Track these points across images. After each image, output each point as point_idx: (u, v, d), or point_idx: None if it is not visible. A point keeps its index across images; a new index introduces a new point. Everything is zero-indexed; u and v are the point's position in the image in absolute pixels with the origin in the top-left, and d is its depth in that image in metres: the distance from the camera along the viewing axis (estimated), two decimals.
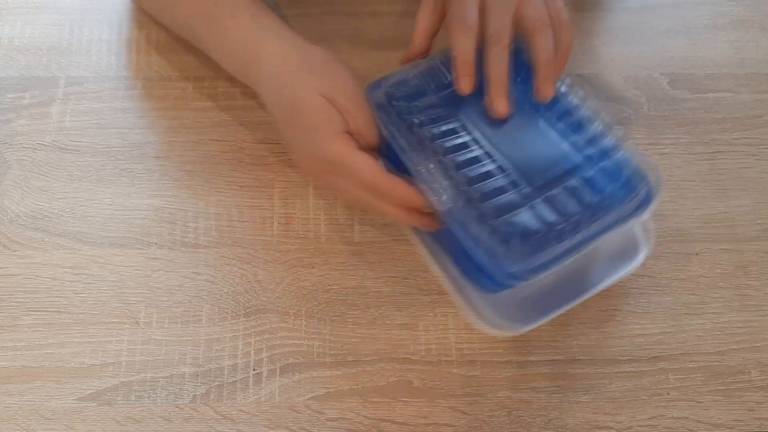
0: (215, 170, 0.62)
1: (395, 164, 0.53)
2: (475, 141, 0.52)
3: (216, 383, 0.54)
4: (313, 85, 0.53)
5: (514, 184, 0.50)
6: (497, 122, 0.53)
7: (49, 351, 0.54)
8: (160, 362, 0.54)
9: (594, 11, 0.72)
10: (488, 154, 0.51)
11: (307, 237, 0.59)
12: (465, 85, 0.52)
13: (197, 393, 0.53)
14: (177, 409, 0.53)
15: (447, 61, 0.54)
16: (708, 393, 0.54)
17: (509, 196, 0.50)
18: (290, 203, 0.61)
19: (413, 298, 0.57)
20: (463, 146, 0.52)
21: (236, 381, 0.54)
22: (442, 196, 0.50)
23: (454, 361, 0.55)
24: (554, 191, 0.50)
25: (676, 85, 0.67)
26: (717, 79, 0.68)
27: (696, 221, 0.61)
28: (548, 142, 0.52)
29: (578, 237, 0.50)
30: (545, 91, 0.53)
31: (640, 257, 0.56)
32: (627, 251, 0.56)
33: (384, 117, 0.53)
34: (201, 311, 0.56)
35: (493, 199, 0.49)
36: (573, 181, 0.51)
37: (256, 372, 0.54)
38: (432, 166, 0.51)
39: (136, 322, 0.56)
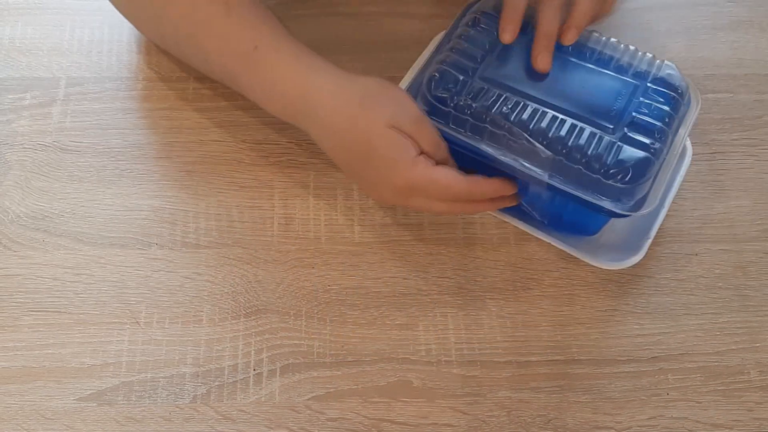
0: (215, 171, 0.62)
1: (459, 162, 0.55)
2: (540, 104, 0.54)
3: (216, 383, 0.54)
4: (379, 117, 0.52)
5: (598, 128, 0.53)
6: (545, 81, 0.55)
7: (49, 351, 0.55)
8: (161, 362, 0.54)
9: None
10: (559, 111, 0.53)
11: (307, 237, 0.60)
12: (508, 34, 0.56)
13: (198, 393, 0.53)
14: (177, 409, 0.53)
15: (468, 39, 0.57)
16: (707, 393, 0.55)
17: (602, 140, 0.52)
18: (290, 204, 0.61)
19: (413, 298, 0.57)
20: (534, 114, 0.53)
21: (236, 381, 0.54)
22: (543, 167, 0.52)
23: (454, 362, 0.55)
24: (632, 117, 0.54)
25: None
26: (716, 79, 0.68)
27: (695, 221, 0.61)
28: (598, 81, 0.56)
29: (668, 148, 0.54)
30: (571, 37, 0.56)
31: (688, 155, 0.60)
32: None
33: (440, 121, 0.54)
34: (201, 311, 0.56)
35: (590, 149, 0.52)
36: (641, 101, 0.54)
37: (256, 372, 0.54)
38: (519, 145, 0.53)
39: (137, 322, 0.56)
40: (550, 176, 0.52)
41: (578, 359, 0.56)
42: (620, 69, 0.56)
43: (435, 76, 0.55)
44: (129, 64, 0.67)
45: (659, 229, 0.60)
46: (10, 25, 0.69)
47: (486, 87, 0.55)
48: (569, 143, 0.52)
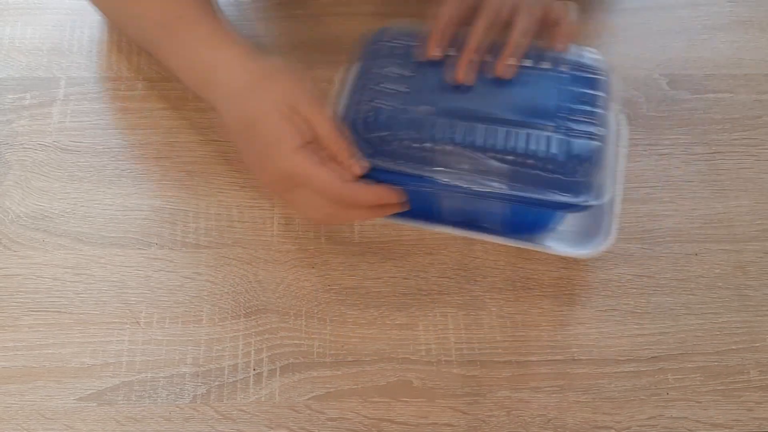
0: (215, 171, 0.62)
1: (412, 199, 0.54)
2: (481, 120, 0.53)
3: (216, 383, 0.54)
4: (271, 98, 0.52)
5: (542, 129, 0.53)
6: (479, 95, 0.55)
7: (50, 351, 0.55)
8: (161, 362, 0.55)
9: (594, 11, 0.72)
10: (502, 123, 0.53)
11: (307, 237, 0.59)
12: (436, 50, 0.55)
13: (198, 393, 0.54)
14: (177, 408, 0.53)
15: (389, 69, 0.56)
16: (707, 393, 0.55)
17: (550, 140, 0.52)
18: None
19: (413, 298, 0.57)
20: (479, 131, 0.53)
21: (236, 381, 0.54)
22: (501, 181, 0.51)
23: (454, 361, 0.55)
24: (570, 109, 0.54)
25: (676, 86, 0.67)
26: (716, 79, 0.68)
27: (695, 221, 0.61)
28: (527, 81, 0.55)
29: (609, 129, 0.55)
30: (506, 70, 0.55)
31: (624, 129, 0.60)
32: None
33: (384, 160, 0.52)
34: (201, 311, 0.56)
35: (542, 152, 0.52)
36: (571, 91, 0.55)
37: (256, 372, 0.54)
38: (471, 166, 0.52)
39: (137, 322, 0.56)
40: (511, 188, 0.51)
41: (578, 359, 0.56)
42: (542, 64, 0.56)
43: (368, 116, 0.54)
44: (129, 64, 0.67)
45: (659, 228, 0.60)
46: (10, 25, 0.69)
47: (424, 115, 0.53)
48: (520, 151, 0.52)
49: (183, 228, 0.59)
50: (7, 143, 0.63)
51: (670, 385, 0.55)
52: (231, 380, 0.54)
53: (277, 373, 0.54)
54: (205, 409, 0.53)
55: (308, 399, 0.54)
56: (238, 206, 0.60)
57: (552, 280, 0.58)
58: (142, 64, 0.67)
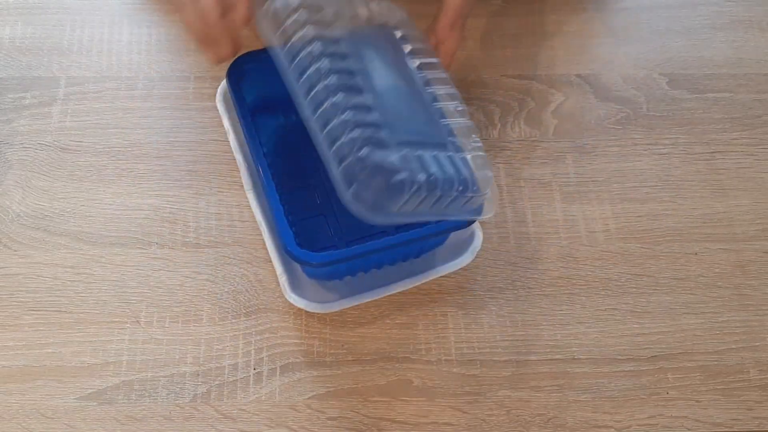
0: (216, 170, 0.62)
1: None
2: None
3: (216, 382, 0.54)
4: None
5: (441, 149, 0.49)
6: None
7: (50, 350, 0.55)
8: (161, 361, 0.55)
9: (594, 11, 0.72)
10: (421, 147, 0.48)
11: None
12: None
13: (198, 392, 0.54)
14: (178, 408, 0.53)
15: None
16: (707, 392, 0.55)
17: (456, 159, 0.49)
18: None
19: (413, 297, 0.57)
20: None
21: (237, 380, 0.54)
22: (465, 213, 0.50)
23: (454, 361, 0.55)
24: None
25: (675, 85, 0.67)
26: (716, 79, 0.68)
27: (695, 221, 0.61)
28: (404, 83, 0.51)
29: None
30: None
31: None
32: None
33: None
34: (202, 311, 0.56)
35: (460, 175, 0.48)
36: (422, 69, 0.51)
37: (256, 371, 0.54)
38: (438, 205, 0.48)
39: (137, 321, 0.56)
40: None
41: (578, 358, 0.56)
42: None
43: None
44: (129, 64, 0.67)
45: (659, 228, 0.60)
46: (10, 25, 0.69)
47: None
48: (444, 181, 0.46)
49: (183, 227, 0.59)
50: (8, 142, 0.63)
51: (670, 384, 0.55)
52: (231, 379, 0.54)
53: (278, 372, 0.54)
54: (205, 408, 0.53)
55: (308, 398, 0.54)
56: (238, 206, 0.60)
57: (552, 279, 0.58)
58: (142, 63, 0.67)
